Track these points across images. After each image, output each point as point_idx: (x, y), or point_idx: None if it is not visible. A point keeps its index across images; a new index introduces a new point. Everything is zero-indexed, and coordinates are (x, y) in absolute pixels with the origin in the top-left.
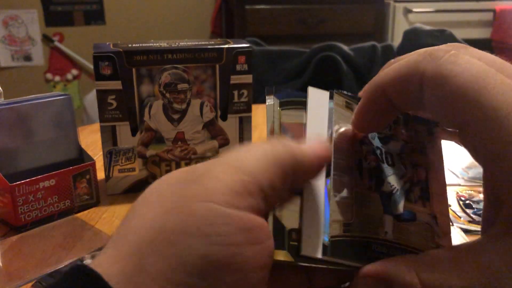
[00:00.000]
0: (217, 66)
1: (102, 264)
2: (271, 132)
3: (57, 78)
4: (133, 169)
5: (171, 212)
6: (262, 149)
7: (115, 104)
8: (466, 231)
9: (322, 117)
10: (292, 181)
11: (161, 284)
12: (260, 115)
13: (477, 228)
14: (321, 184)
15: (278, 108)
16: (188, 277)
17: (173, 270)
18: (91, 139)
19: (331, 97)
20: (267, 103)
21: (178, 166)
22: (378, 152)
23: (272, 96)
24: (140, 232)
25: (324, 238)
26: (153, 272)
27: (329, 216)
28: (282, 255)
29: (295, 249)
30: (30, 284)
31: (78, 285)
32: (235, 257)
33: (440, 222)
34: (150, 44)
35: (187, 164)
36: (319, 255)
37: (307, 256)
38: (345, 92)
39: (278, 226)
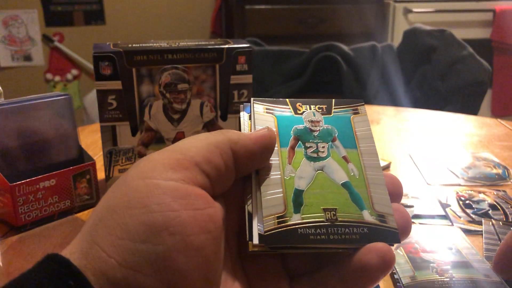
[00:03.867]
0: (217, 66)
1: (68, 247)
2: None
3: (57, 78)
4: None
5: (116, 192)
6: (198, 136)
7: (115, 104)
8: (466, 231)
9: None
10: (235, 160)
11: (110, 253)
12: None
13: (477, 228)
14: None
15: (248, 120)
16: (132, 242)
17: (119, 239)
18: (91, 139)
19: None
20: (240, 117)
21: None
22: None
23: (243, 112)
24: (94, 213)
25: (259, 229)
26: (103, 244)
27: (262, 210)
28: (258, 246)
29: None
30: None
31: (44, 265)
32: (171, 221)
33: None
34: (150, 44)
35: None
36: (256, 241)
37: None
38: (267, 99)
39: (250, 218)
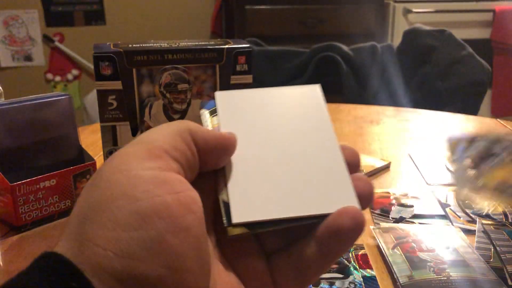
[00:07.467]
0: (217, 66)
1: (57, 248)
2: None
3: (58, 78)
4: None
5: (96, 190)
6: (162, 126)
7: (115, 104)
8: (465, 231)
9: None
10: (197, 148)
11: (105, 246)
12: None
13: (477, 227)
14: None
15: (210, 116)
16: (125, 232)
17: (111, 231)
18: (91, 139)
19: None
20: (201, 114)
21: None
22: None
23: (203, 109)
24: (76, 213)
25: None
26: (96, 239)
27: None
28: (237, 230)
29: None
30: None
31: (42, 264)
32: (159, 206)
33: None
34: (150, 44)
35: None
36: (250, 218)
37: (239, 223)
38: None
39: (225, 206)
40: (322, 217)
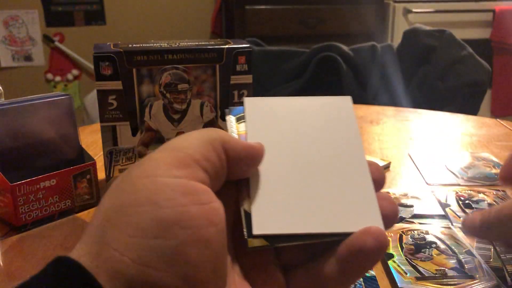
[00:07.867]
0: (217, 66)
1: (76, 250)
2: None
3: (58, 78)
4: None
5: (121, 192)
6: (192, 133)
7: (115, 104)
8: None
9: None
10: (226, 158)
11: (123, 252)
12: None
13: None
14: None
15: (236, 122)
16: (145, 239)
17: (130, 237)
18: (91, 139)
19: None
20: (227, 120)
21: None
22: None
23: (230, 115)
24: (99, 214)
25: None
26: (115, 243)
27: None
28: (256, 242)
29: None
30: None
31: (55, 270)
32: (182, 215)
33: None
34: (150, 44)
35: None
36: (271, 231)
37: (260, 234)
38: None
39: (247, 216)
40: (345, 235)
